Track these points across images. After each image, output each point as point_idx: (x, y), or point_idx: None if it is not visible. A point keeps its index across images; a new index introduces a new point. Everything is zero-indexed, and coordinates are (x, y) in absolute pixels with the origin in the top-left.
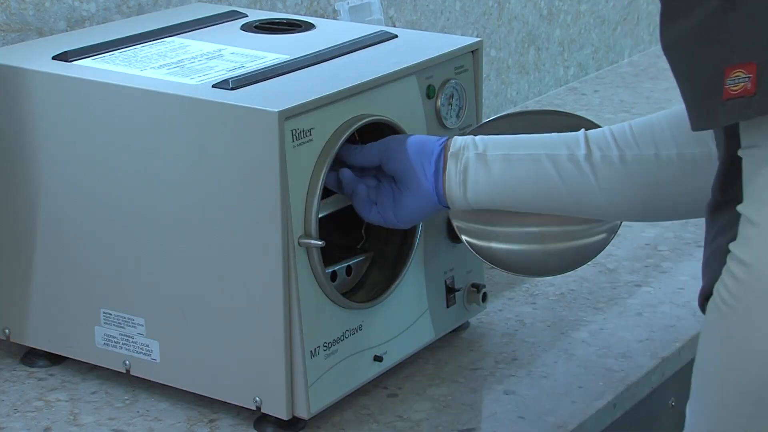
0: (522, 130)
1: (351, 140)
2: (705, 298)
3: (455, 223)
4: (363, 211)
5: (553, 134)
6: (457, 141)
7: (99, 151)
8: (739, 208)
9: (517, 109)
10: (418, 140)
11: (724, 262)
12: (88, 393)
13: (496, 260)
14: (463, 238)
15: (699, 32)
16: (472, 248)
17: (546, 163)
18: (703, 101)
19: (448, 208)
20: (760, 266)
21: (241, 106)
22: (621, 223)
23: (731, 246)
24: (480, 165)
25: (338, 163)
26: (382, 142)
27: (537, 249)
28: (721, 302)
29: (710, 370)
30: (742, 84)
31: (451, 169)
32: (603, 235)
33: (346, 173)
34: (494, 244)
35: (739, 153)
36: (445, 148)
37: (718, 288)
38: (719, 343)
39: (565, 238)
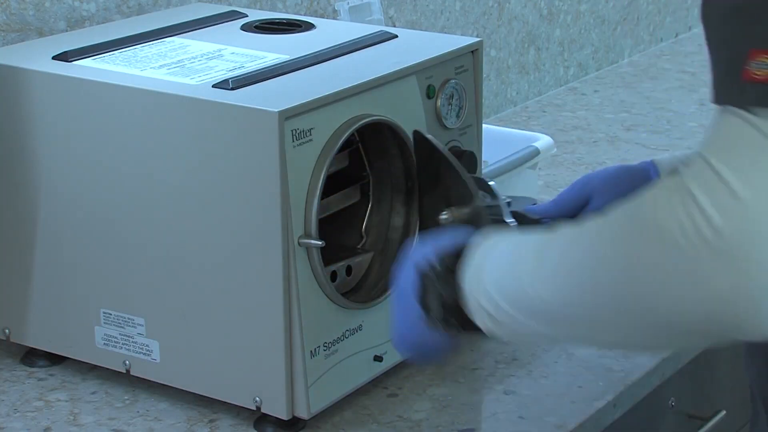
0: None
1: (351, 140)
2: None
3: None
4: None
5: None
6: (664, 165)
7: (99, 151)
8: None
9: (517, 109)
10: (619, 172)
11: None
12: (88, 393)
13: None
14: None
15: (738, 8)
16: None
17: None
18: (726, 78)
19: None
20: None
21: (241, 106)
22: None
23: (698, 191)
24: None
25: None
26: (574, 189)
27: None
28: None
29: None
30: (766, 70)
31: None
32: None
33: None
34: None
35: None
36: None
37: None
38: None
39: None
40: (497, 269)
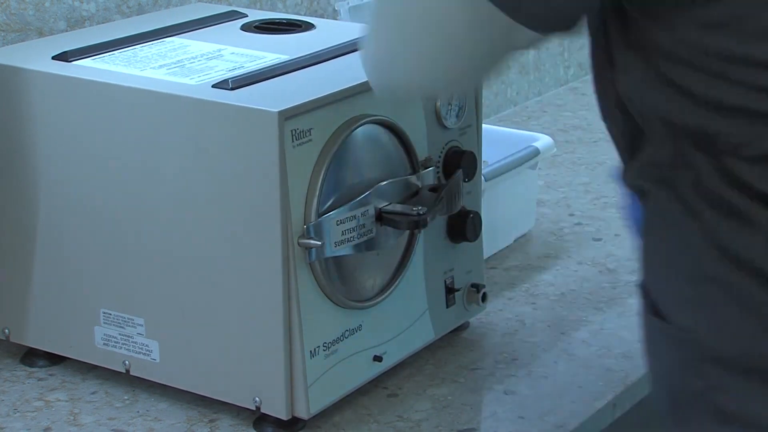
0: None
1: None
2: None
3: None
4: None
5: None
6: None
7: (99, 151)
8: None
9: (517, 109)
10: None
11: None
12: (88, 393)
13: None
14: None
15: None
16: None
17: None
18: None
19: None
20: None
21: (240, 106)
22: None
23: None
24: None
25: None
26: None
27: None
28: None
29: None
30: None
31: None
32: None
33: None
34: None
35: None
36: None
37: None
38: None
39: None
40: None
